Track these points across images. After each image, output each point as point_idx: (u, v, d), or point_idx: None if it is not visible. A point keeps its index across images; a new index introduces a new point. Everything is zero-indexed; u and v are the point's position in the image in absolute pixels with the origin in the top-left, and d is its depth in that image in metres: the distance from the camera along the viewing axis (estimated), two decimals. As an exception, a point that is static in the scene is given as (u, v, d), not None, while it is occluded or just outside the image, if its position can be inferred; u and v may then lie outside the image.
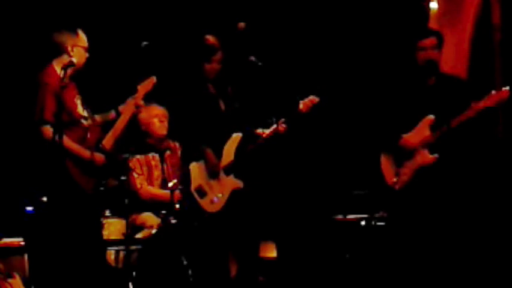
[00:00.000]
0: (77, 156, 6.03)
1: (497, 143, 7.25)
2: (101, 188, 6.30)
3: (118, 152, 6.33)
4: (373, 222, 7.05)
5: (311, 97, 6.70)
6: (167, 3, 7.83)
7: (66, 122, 5.97)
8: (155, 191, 7.00)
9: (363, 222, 7.11)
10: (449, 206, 6.20)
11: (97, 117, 6.31)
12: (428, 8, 7.68)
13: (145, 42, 6.40)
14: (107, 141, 6.20)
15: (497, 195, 6.92)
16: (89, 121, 6.19)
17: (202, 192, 6.62)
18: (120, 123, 6.24)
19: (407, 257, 6.26)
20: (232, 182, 6.65)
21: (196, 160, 6.66)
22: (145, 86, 6.33)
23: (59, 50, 6.09)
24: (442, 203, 6.19)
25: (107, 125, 6.30)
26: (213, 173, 6.64)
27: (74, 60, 6.02)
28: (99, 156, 6.14)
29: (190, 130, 6.64)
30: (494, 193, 6.94)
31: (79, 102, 6.16)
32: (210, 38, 6.71)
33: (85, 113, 6.18)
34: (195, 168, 6.65)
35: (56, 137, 5.78)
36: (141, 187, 6.97)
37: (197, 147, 6.64)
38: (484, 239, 6.63)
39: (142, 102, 6.31)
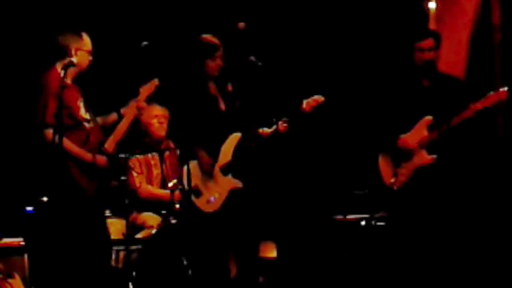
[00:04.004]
0: (79, 159, 6.04)
1: (497, 142, 7.25)
2: (104, 190, 6.31)
3: (118, 151, 6.33)
4: (373, 222, 7.05)
5: (316, 96, 6.66)
6: (167, 4, 7.82)
7: (68, 124, 5.98)
8: (154, 190, 7.01)
9: (363, 222, 7.11)
10: (448, 206, 6.21)
11: (98, 120, 6.31)
12: (426, 9, 7.68)
13: (145, 43, 6.40)
14: (110, 144, 6.21)
15: (496, 195, 6.93)
16: (92, 124, 6.19)
17: (197, 192, 6.61)
18: (122, 126, 6.25)
19: (406, 257, 6.26)
20: (230, 182, 6.64)
21: (192, 160, 6.65)
22: (147, 89, 6.33)
23: (63, 53, 6.09)
24: (441, 203, 6.19)
25: (108, 127, 6.31)
26: (206, 172, 6.63)
27: (74, 60, 6.02)
28: (101, 159, 6.14)
29: (185, 130, 6.64)
30: (493, 193, 6.94)
31: (81, 104, 6.16)
32: (208, 37, 6.72)
33: (88, 116, 6.18)
34: (190, 168, 6.63)
35: (56, 139, 5.77)
36: (140, 186, 6.98)
37: (190, 147, 6.63)
38: (484, 239, 6.63)
39: (144, 105, 6.32)
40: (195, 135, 6.61)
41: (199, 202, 6.61)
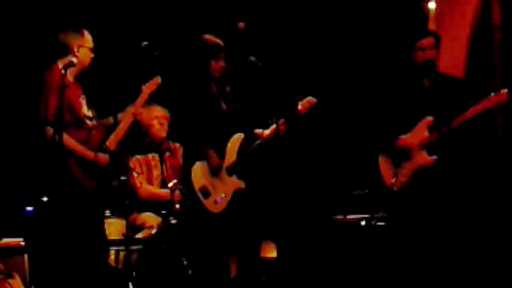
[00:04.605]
0: (81, 157, 6.04)
1: (497, 144, 7.25)
2: (105, 189, 6.31)
3: (120, 151, 6.34)
4: (373, 222, 7.05)
5: (309, 98, 6.69)
6: (167, 4, 7.82)
7: (70, 122, 6.00)
8: (155, 190, 7.01)
9: (363, 222, 7.11)
10: (448, 207, 6.20)
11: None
12: (426, 9, 7.68)
13: (145, 42, 6.41)
14: (111, 142, 6.22)
15: (496, 196, 6.92)
16: (94, 121, 6.20)
17: (206, 193, 6.60)
18: (120, 130, 6.26)
19: (406, 257, 6.26)
20: (235, 182, 6.64)
21: (199, 160, 6.65)
22: (149, 87, 6.35)
23: (65, 50, 6.10)
24: (441, 204, 6.19)
25: (109, 127, 6.32)
26: (215, 173, 6.63)
27: (74, 60, 6.03)
28: (103, 157, 6.15)
29: (193, 131, 6.64)
30: (493, 194, 6.94)
31: (83, 102, 6.17)
32: (211, 37, 6.71)
33: (90, 113, 6.19)
34: (199, 169, 6.63)
35: (56, 137, 5.78)
36: (141, 186, 6.98)
37: (199, 148, 6.63)
38: (484, 239, 6.63)
39: (140, 111, 6.34)
40: (200, 136, 6.60)
41: (208, 203, 6.59)
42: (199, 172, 6.61)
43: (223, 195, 6.59)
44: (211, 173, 6.62)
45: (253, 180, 6.72)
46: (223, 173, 6.63)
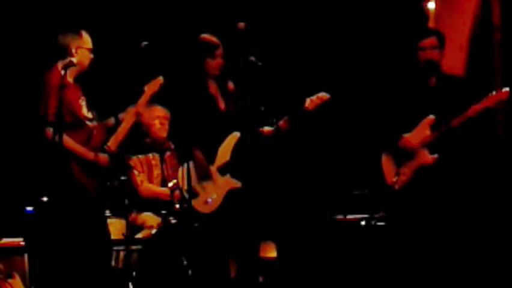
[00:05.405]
0: (81, 158, 6.05)
1: (498, 143, 7.25)
2: (106, 189, 6.32)
3: (121, 151, 6.34)
4: (373, 222, 7.06)
5: (320, 94, 6.58)
6: (167, 4, 7.83)
7: (70, 123, 6.00)
8: (155, 188, 7.01)
9: (363, 222, 7.11)
10: (448, 206, 6.21)
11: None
12: (426, 9, 7.69)
13: (145, 42, 6.41)
14: (112, 142, 6.22)
15: (497, 195, 6.92)
16: (94, 122, 6.21)
17: (193, 193, 6.56)
18: (124, 127, 6.26)
19: (406, 257, 6.26)
20: (228, 182, 6.60)
21: (191, 160, 6.63)
22: (152, 87, 6.34)
23: (64, 52, 6.11)
24: (442, 203, 6.19)
25: (110, 128, 6.33)
26: (202, 173, 6.60)
27: (74, 60, 6.04)
28: (103, 158, 6.15)
29: (183, 131, 6.62)
30: (494, 193, 6.94)
31: (83, 103, 6.18)
32: (207, 36, 6.71)
33: (90, 115, 6.20)
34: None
35: (56, 137, 5.79)
36: (141, 184, 6.99)
37: (187, 148, 6.60)
38: (484, 239, 6.63)
39: (142, 111, 6.34)
40: (193, 135, 6.59)
41: (196, 203, 6.55)
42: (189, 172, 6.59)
43: (214, 195, 6.56)
44: (198, 174, 6.59)
45: (253, 179, 6.70)
46: (215, 173, 6.59)
